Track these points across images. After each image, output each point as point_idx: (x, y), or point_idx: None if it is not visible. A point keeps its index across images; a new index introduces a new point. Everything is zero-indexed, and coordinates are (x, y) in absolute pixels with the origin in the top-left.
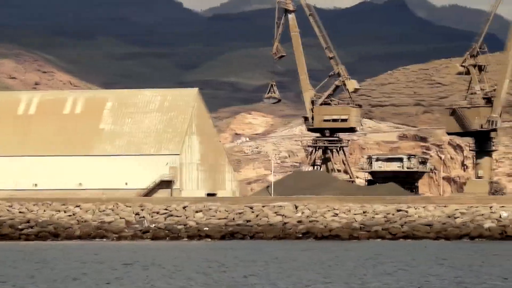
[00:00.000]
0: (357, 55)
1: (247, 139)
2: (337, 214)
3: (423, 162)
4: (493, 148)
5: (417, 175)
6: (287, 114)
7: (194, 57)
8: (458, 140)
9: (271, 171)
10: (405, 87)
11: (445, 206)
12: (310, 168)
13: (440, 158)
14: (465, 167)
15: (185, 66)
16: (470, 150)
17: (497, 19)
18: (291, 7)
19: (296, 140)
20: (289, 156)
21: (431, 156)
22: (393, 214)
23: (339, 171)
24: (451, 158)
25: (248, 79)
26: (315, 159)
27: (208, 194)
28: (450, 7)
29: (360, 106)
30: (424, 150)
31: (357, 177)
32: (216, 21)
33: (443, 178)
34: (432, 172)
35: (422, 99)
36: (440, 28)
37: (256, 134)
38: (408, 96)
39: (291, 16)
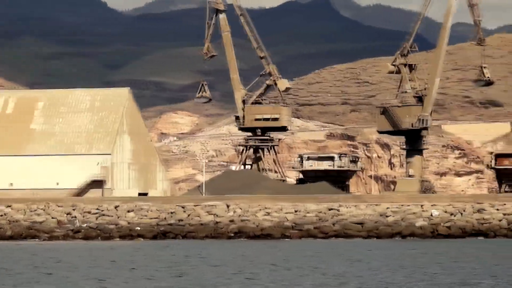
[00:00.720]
0: (283, 55)
1: (175, 138)
2: (269, 213)
3: (354, 161)
4: (424, 146)
5: (348, 174)
6: (213, 113)
7: (119, 57)
8: (385, 138)
9: (200, 170)
10: (332, 86)
11: (376, 205)
12: (241, 167)
13: (368, 156)
14: (392, 165)
15: (111, 66)
16: (401, 148)
17: (423, 19)
18: (221, 7)
19: (223, 139)
20: (217, 155)
21: (358, 154)
22: (325, 213)
23: (270, 170)
24: (379, 156)
25: (174, 78)
26: (246, 158)
27: (140, 194)
28: (374, 6)
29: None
30: (352, 149)
31: (287, 177)
32: (142, 21)
33: (370, 176)
34: (362, 171)
35: (349, 98)
36: (365, 28)
37: (182, 133)
38: (335, 95)
39: (221, 16)
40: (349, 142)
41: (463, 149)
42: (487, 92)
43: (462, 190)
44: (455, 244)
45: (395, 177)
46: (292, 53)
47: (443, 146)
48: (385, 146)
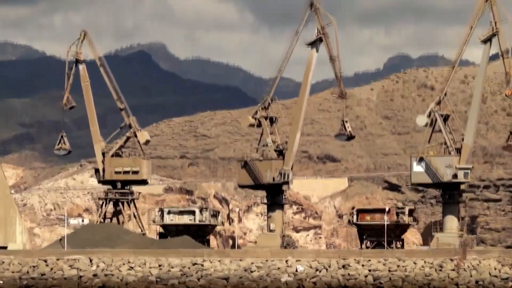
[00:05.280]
0: (106, 108)
1: (13, 191)
2: (132, 267)
3: (215, 215)
4: (285, 201)
5: (209, 228)
6: (36, 166)
7: None
8: (223, 193)
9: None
10: (170, 139)
11: (240, 260)
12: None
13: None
14: (230, 220)
15: None
16: (262, 203)
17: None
18: (81, 57)
19: (61, 193)
20: (55, 208)
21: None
22: (189, 268)
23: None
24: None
25: None
26: (105, 212)
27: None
28: (193, 59)
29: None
30: (190, 203)
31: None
32: None
33: None
34: (223, 225)
35: (187, 151)
36: (184, 81)
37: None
38: (173, 149)
39: (81, 66)
40: (187, 197)
41: (301, 204)
42: (324, 147)
43: (301, 246)
44: None
45: (233, 232)
46: (113, 106)
47: None
48: (223, 201)
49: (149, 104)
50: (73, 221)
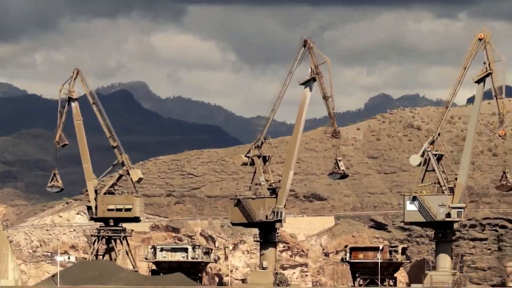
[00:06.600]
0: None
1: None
2: None
3: (207, 252)
4: (278, 239)
5: (202, 266)
6: (18, 204)
7: None
8: (209, 231)
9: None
10: (156, 177)
11: None
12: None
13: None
14: (216, 258)
15: None
16: (254, 241)
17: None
18: (74, 95)
19: (47, 230)
20: (41, 245)
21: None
22: None
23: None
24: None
25: None
26: (98, 248)
27: None
28: (175, 99)
29: None
30: (177, 241)
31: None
32: None
33: None
34: (216, 262)
35: (173, 189)
36: (166, 120)
37: None
38: (159, 187)
39: (74, 105)
40: (174, 234)
41: (287, 243)
42: (310, 185)
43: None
44: None
45: (219, 269)
46: (95, 146)
47: None
48: (210, 239)
49: (130, 143)
50: (59, 258)
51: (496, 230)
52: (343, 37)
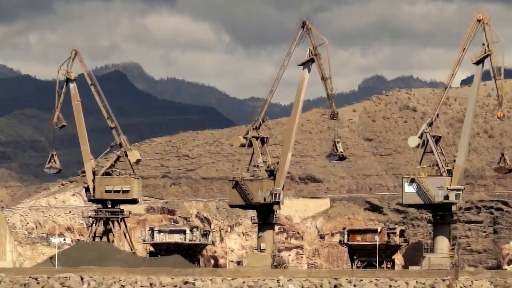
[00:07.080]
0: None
1: None
2: (123, 286)
3: (205, 234)
4: (276, 221)
5: (200, 247)
6: (12, 185)
7: None
8: (205, 213)
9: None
10: (152, 159)
11: (232, 279)
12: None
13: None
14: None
15: None
16: (252, 223)
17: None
18: (72, 76)
19: (43, 212)
20: (37, 227)
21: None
22: (180, 287)
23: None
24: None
25: None
26: (96, 230)
27: None
28: (169, 79)
29: None
30: (172, 223)
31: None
32: None
33: None
34: (213, 244)
35: (169, 171)
36: (159, 101)
37: None
38: (155, 168)
39: (72, 85)
40: (169, 216)
41: (283, 225)
42: (306, 167)
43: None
44: None
45: (215, 251)
46: (93, 127)
47: None
48: (205, 221)
49: (124, 124)
50: (54, 240)
51: (492, 213)
52: (336, 18)
